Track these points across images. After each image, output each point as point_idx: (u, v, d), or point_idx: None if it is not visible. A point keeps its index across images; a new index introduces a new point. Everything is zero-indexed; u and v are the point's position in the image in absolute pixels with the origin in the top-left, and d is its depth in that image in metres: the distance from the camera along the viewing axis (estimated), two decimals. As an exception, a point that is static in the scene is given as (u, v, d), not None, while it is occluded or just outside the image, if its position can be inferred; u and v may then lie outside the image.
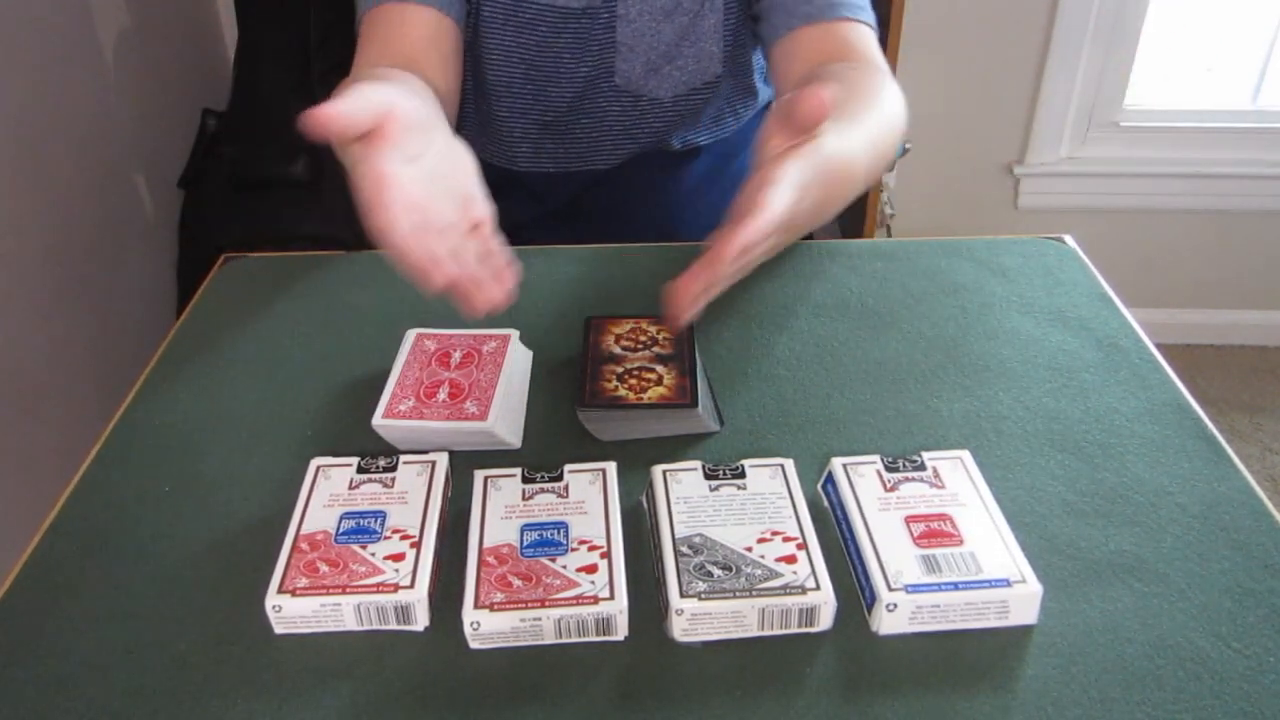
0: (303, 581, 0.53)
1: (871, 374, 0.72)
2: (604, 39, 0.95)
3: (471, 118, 1.06)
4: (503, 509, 0.58)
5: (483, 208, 0.65)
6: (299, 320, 0.79)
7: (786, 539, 0.55)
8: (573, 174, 1.04)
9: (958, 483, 0.59)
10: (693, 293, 0.57)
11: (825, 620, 0.53)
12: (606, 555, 0.55)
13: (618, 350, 0.70)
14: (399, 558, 0.54)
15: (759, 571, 0.53)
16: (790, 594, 0.52)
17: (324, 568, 0.54)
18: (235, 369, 0.74)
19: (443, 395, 0.66)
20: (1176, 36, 2.13)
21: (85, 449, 0.67)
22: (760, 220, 0.56)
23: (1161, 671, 0.51)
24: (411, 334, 0.72)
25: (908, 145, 1.94)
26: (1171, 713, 0.49)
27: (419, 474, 0.60)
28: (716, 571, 0.53)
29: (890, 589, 0.52)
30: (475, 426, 0.63)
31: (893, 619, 0.52)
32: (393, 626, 0.53)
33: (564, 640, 0.53)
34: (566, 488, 0.59)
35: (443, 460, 0.61)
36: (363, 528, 0.57)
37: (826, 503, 0.61)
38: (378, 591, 0.53)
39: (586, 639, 0.53)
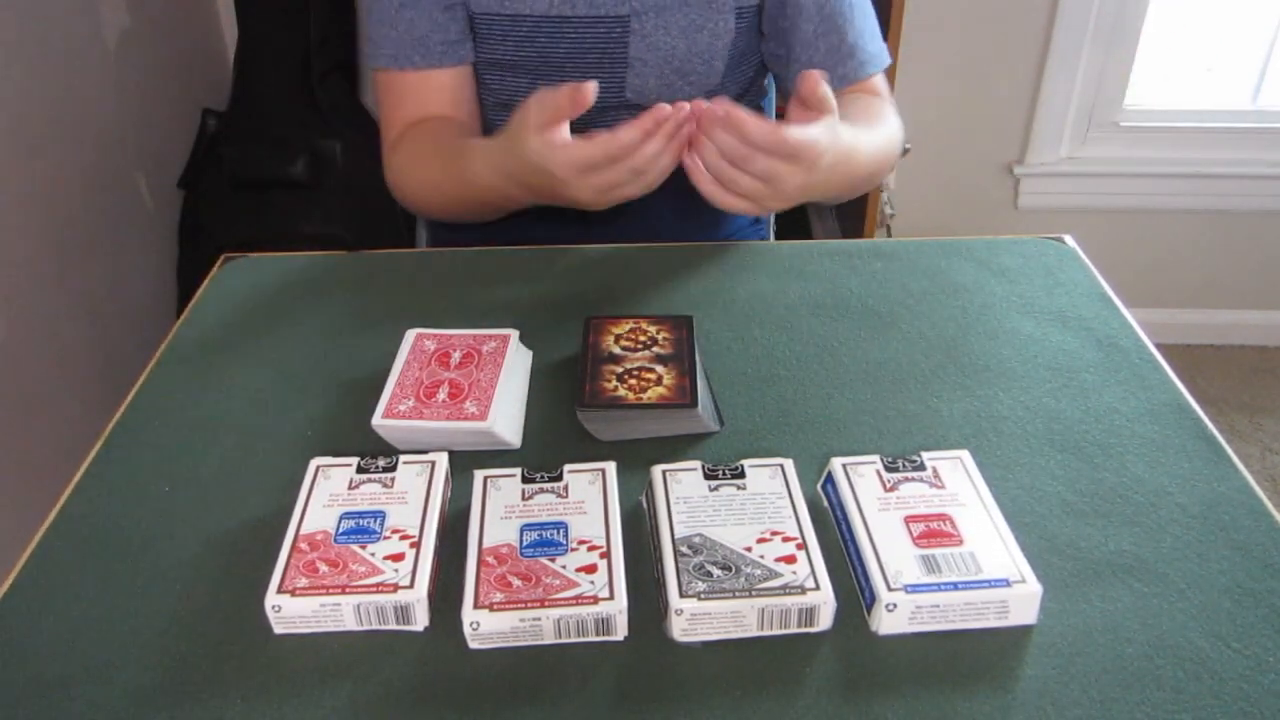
0: (302, 581, 0.53)
1: (871, 374, 0.72)
2: (616, 54, 0.96)
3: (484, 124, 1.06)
4: (502, 509, 0.58)
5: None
6: (299, 320, 0.79)
7: (786, 539, 0.55)
8: None
9: (957, 483, 0.59)
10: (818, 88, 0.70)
11: (825, 620, 0.53)
12: (606, 555, 0.55)
13: (618, 350, 0.70)
14: (399, 558, 0.54)
15: (759, 571, 0.53)
16: (790, 594, 0.52)
17: (324, 568, 0.54)
18: (235, 369, 0.74)
19: (442, 395, 0.66)
20: (1176, 36, 2.13)
21: (85, 449, 0.67)
22: (807, 132, 0.69)
23: (1161, 671, 0.51)
24: (411, 334, 0.72)
25: (908, 145, 1.94)
26: (1171, 713, 0.49)
27: (419, 474, 0.60)
28: (716, 571, 0.53)
29: (890, 589, 0.52)
30: (475, 426, 0.63)
31: (892, 619, 0.52)
32: (392, 626, 0.53)
33: (563, 640, 0.53)
34: (566, 488, 0.59)
35: (442, 460, 0.61)
36: (362, 528, 0.57)
37: (826, 503, 0.61)
38: (377, 591, 0.53)
39: (586, 639, 0.53)
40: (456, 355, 0.70)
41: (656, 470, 0.60)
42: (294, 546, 0.55)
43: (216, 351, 0.76)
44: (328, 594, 0.53)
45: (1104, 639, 0.53)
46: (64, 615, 0.55)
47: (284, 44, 1.76)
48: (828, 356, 0.74)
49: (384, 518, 0.57)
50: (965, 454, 0.62)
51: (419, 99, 0.99)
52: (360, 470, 0.61)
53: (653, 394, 0.66)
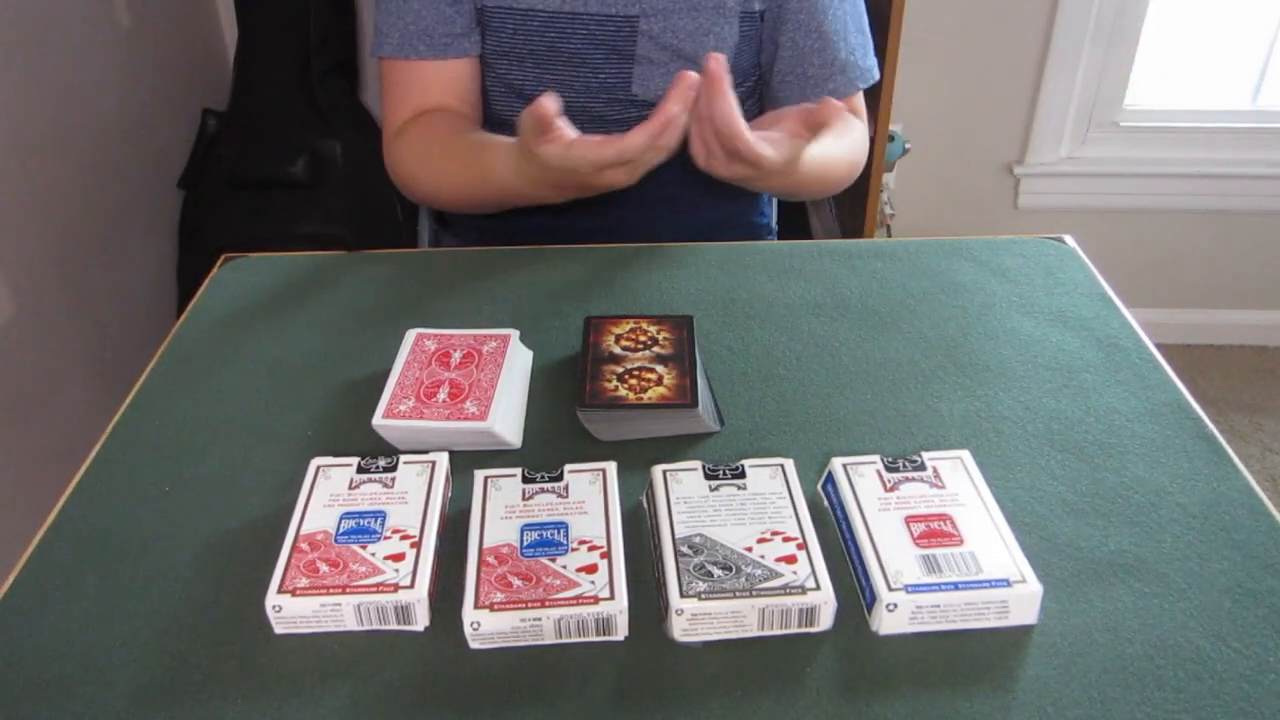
0: (303, 581, 0.53)
1: (871, 374, 0.72)
2: (624, 51, 0.96)
3: (490, 115, 1.06)
4: (503, 509, 0.58)
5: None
6: (299, 320, 0.79)
7: (786, 539, 0.55)
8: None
9: (958, 483, 0.59)
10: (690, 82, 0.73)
11: (825, 620, 0.53)
12: (606, 555, 0.55)
13: (618, 350, 0.70)
14: (399, 558, 0.54)
15: (759, 571, 0.53)
16: (790, 594, 0.52)
17: (324, 568, 0.54)
18: (235, 369, 0.74)
19: (443, 395, 0.66)
20: (1176, 36, 2.13)
21: (85, 449, 0.67)
22: (766, 148, 0.75)
23: (1161, 671, 0.51)
24: (411, 334, 0.72)
25: (907, 145, 1.94)
26: (1171, 713, 0.49)
27: (419, 474, 0.60)
28: (716, 571, 0.53)
29: (890, 589, 0.52)
30: (475, 426, 0.63)
31: (893, 619, 0.52)
32: (393, 626, 0.53)
33: (564, 640, 0.53)
34: (566, 488, 0.59)
35: (443, 460, 0.61)
36: (363, 528, 0.57)
37: (826, 503, 0.61)
38: (378, 591, 0.53)
39: (586, 639, 0.53)
40: (457, 355, 0.70)
41: (657, 470, 0.60)
42: (294, 546, 0.55)
43: (216, 351, 0.76)
44: (328, 594, 0.53)
45: (1104, 639, 0.53)
46: (64, 615, 0.55)
47: (284, 44, 1.75)
48: (828, 356, 0.74)
49: (384, 518, 0.57)
50: (965, 454, 0.62)
51: (423, 89, 1.00)
52: (360, 470, 0.61)
53: (653, 394, 0.66)
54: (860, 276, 0.84)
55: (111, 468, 0.65)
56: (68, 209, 1.43)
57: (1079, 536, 0.59)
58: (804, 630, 0.53)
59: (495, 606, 0.52)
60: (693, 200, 1.07)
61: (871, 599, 0.53)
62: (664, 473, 0.60)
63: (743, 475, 0.60)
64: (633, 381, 0.67)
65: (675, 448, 0.66)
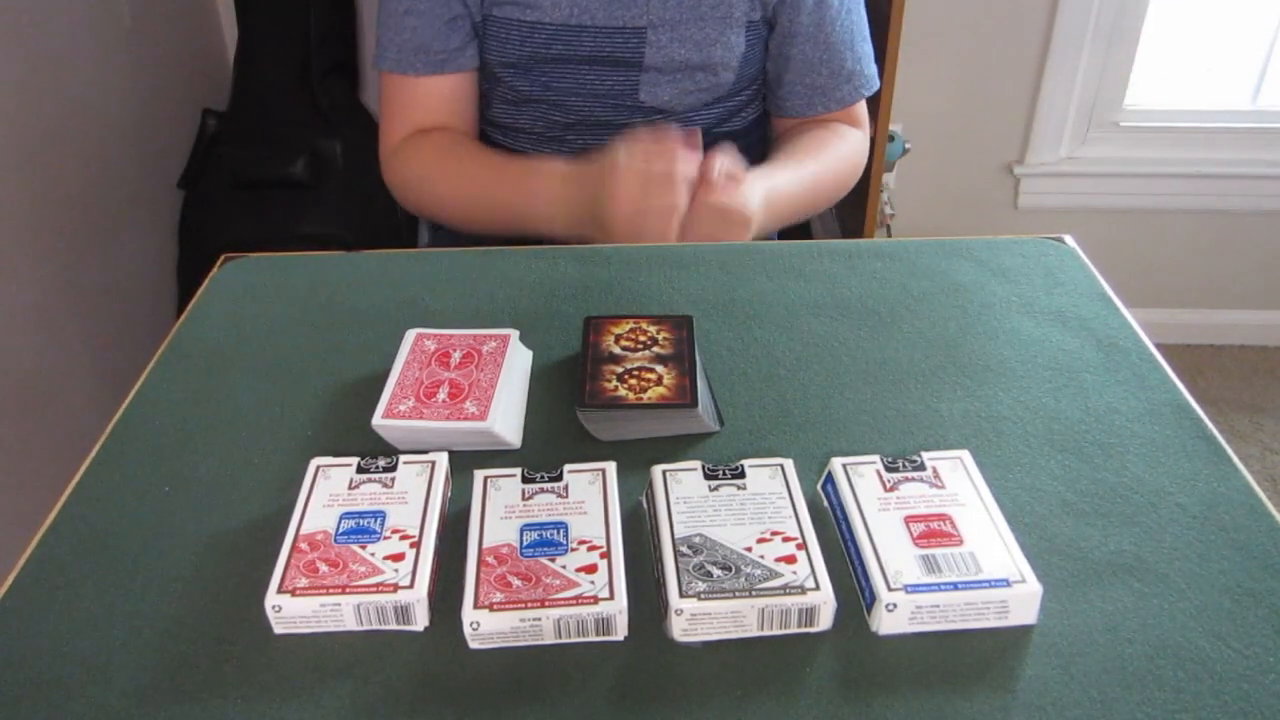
0: (302, 581, 0.53)
1: (871, 374, 0.72)
2: (631, 61, 0.97)
3: (492, 113, 1.07)
4: (503, 509, 0.58)
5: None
6: (299, 320, 0.79)
7: (786, 539, 0.55)
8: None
9: (958, 483, 0.59)
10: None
11: (825, 620, 0.53)
12: (606, 555, 0.55)
13: (618, 350, 0.70)
14: (399, 558, 0.54)
15: (759, 571, 0.53)
16: (790, 594, 0.52)
17: (324, 568, 0.54)
18: (235, 369, 0.74)
19: (442, 395, 0.66)
20: (1176, 36, 2.13)
21: (85, 449, 0.67)
22: (737, 195, 0.88)
23: (1161, 671, 0.51)
24: (411, 334, 0.72)
25: (907, 145, 1.94)
26: (1171, 713, 0.49)
27: (419, 474, 0.60)
28: (716, 571, 0.53)
29: (890, 589, 0.52)
30: (475, 426, 0.63)
31: (892, 619, 0.52)
32: (393, 626, 0.53)
33: (564, 640, 0.53)
34: (566, 488, 0.59)
35: (443, 460, 0.61)
36: (362, 528, 0.57)
37: (826, 503, 0.61)
38: (377, 591, 0.53)
39: (586, 639, 0.53)
40: (456, 355, 0.70)
41: (656, 470, 0.60)
42: (294, 546, 0.55)
43: (216, 351, 0.76)
44: (328, 594, 0.53)
45: (1104, 639, 0.53)
46: (64, 615, 0.55)
47: (284, 44, 1.76)
48: (828, 356, 0.74)
49: (384, 518, 0.57)
50: (965, 454, 0.62)
51: (421, 103, 1.02)
52: (360, 470, 0.61)
53: (653, 394, 0.66)
54: (860, 276, 0.84)
55: (111, 468, 0.65)
56: (68, 209, 1.43)
57: (1079, 536, 0.59)
58: (804, 630, 0.53)
59: (495, 606, 0.52)
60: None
61: (871, 599, 0.53)
62: (664, 473, 0.60)
63: (742, 475, 0.60)
64: (632, 381, 0.67)
65: (675, 448, 0.66)
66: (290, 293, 0.83)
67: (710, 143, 1.06)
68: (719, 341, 0.76)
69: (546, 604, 0.52)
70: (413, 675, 0.51)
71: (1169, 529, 0.59)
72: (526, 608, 0.52)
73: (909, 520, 0.57)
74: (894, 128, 1.91)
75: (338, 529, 0.56)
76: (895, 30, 1.59)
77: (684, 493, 0.59)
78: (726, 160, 0.88)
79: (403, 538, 0.56)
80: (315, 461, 0.62)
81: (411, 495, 0.59)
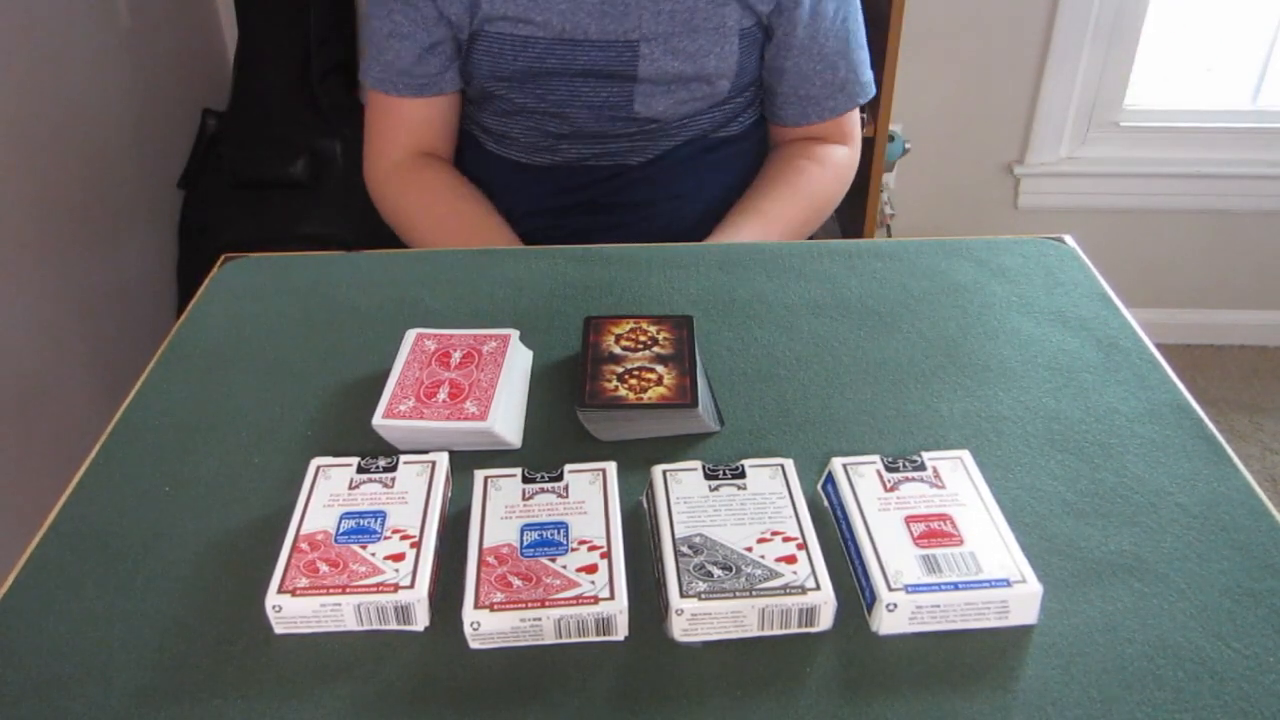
0: (303, 581, 0.53)
1: (871, 374, 0.72)
2: (625, 74, 0.97)
3: (485, 120, 1.07)
4: (503, 509, 0.58)
5: None
6: (299, 320, 0.79)
7: (786, 539, 0.55)
8: (585, 168, 1.06)
9: (958, 483, 0.59)
10: None
11: (825, 620, 0.53)
12: (606, 555, 0.55)
13: (618, 350, 0.70)
14: (399, 558, 0.54)
15: (759, 571, 0.53)
16: (790, 594, 0.52)
17: (324, 568, 0.54)
18: (235, 369, 0.74)
19: (443, 395, 0.66)
20: (1176, 36, 2.13)
21: (85, 449, 0.67)
22: None
23: (1161, 671, 0.51)
24: (411, 334, 0.72)
25: (907, 145, 1.94)
26: (1171, 713, 0.49)
27: (419, 474, 0.60)
28: (716, 571, 0.53)
29: (890, 589, 0.52)
30: (475, 426, 0.63)
31: (893, 619, 0.52)
32: (393, 626, 0.53)
33: (564, 640, 0.53)
34: (566, 488, 0.59)
35: (443, 460, 0.61)
36: (363, 528, 0.57)
37: (826, 503, 0.61)
38: (378, 591, 0.53)
39: (586, 639, 0.53)
40: (456, 355, 0.70)
41: (656, 470, 0.60)
42: (294, 546, 0.55)
43: (216, 351, 0.76)
44: (328, 594, 0.53)
45: (1104, 639, 0.53)
46: (64, 615, 0.55)
47: (284, 44, 1.75)
48: (828, 356, 0.74)
49: (384, 518, 0.57)
50: (965, 454, 0.62)
51: (405, 123, 1.05)
52: (360, 470, 0.61)
53: (653, 394, 0.66)
54: (860, 276, 0.84)
55: (111, 468, 0.65)
56: (68, 209, 1.43)
57: (1079, 536, 0.59)
58: (804, 630, 0.53)
59: (495, 606, 0.52)
60: (698, 215, 1.07)
61: (871, 599, 0.53)
62: (664, 473, 0.60)
63: (743, 475, 0.60)
64: (633, 381, 0.67)
65: (675, 448, 0.66)
66: (290, 293, 0.83)
67: (708, 148, 1.06)
68: (719, 341, 0.76)
69: (547, 604, 0.52)
70: (413, 675, 0.51)
71: (1169, 529, 0.59)
72: (527, 608, 0.52)
73: (909, 520, 0.57)
74: (894, 128, 1.91)
75: (338, 529, 0.56)
76: (895, 30, 1.59)
77: (684, 493, 0.59)
78: None
79: (403, 538, 0.56)
80: (315, 461, 0.62)
81: (412, 495, 0.59)
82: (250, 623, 0.54)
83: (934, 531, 0.56)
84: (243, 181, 1.74)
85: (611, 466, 0.61)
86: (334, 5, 1.79)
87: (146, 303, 1.68)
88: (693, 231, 1.06)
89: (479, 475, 0.61)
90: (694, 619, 0.52)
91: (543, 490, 0.59)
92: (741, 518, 0.57)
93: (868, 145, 1.68)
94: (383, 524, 0.57)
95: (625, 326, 0.73)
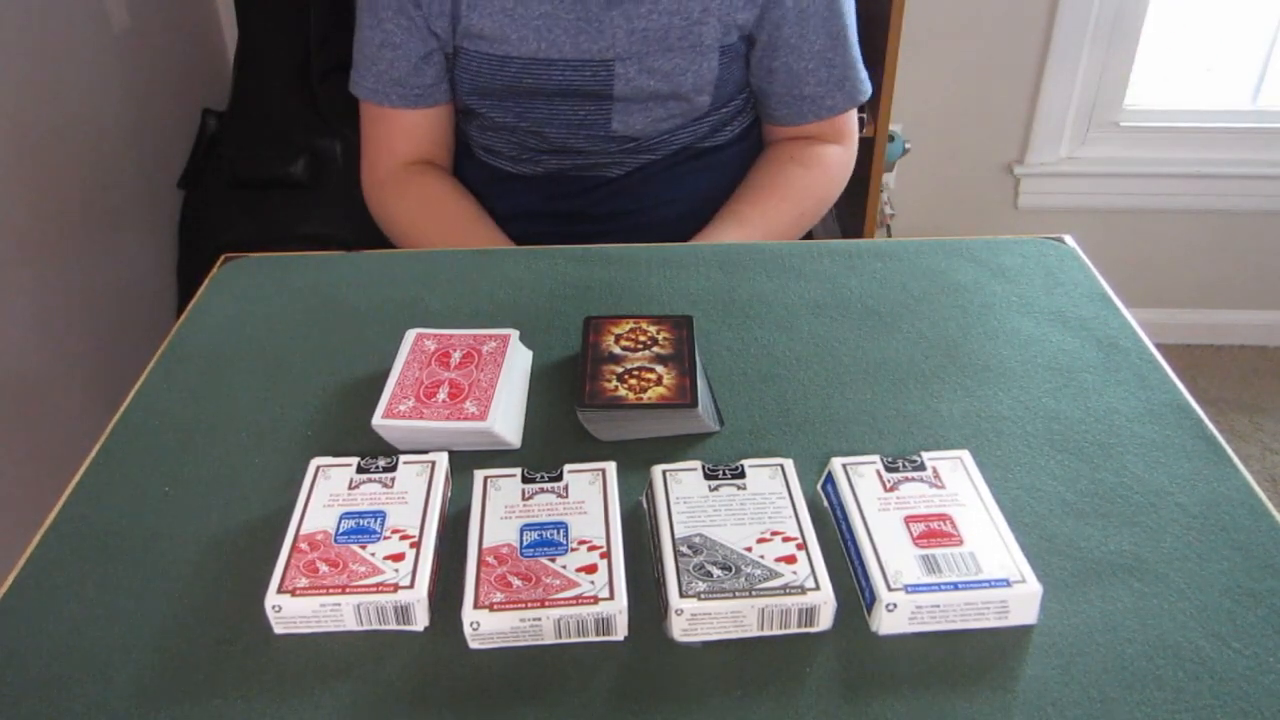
0: (303, 581, 0.53)
1: (871, 374, 0.72)
2: (602, 92, 0.97)
3: (475, 139, 1.07)
4: (503, 509, 0.58)
5: None
6: (299, 320, 0.79)
7: (786, 539, 0.55)
8: (569, 178, 1.06)
9: (958, 483, 0.59)
10: None
11: (825, 620, 0.53)
12: (606, 555, 0.55)
13: (618, 350, 0.70)
14: (399, 558, 0.54)
15: (759, 571, 0.53)
16: (790, 594, 0.52)
17: (324, 568, 0.54)
18: (235, 369, 0.74)
19: (442, 395, 0.66)
20: (1176, 36, 2.13)
21: (85, 449, 0.67)
22: None
23: (1161, 671, 0.51)
24: (411, 334, 0.72)
25: (907, 145, 1.94)
26: (1171, 713, 0.49)
27: (419, 474, 0.60)
28: (716, 571, 0.53)
29: (890, 589, 0.52)
30: (475, 426, 0.63)
31: (892, 619, 0.52)
32: (393, 626, 0.54)
33: (564, 640, 0.53)
34: (566, 488, 0.59)
35: (443, 460, 0.61)
36: (362, 528, 0.57)
37: (826, 503, 0.61)
38: (377, 591, 0.53)
39: (586, 639, 0.53)
40: (456, 355, 0.70)
41: (656, 470, 0.60)
42: (294, 546, 0.55)
43: (216, 351, 0.76)
44: (328, 594, 0.53)
45: (1104, 639, 0.53)
46: (64, 615, 0.55)
47: (284, 44, 1.75)
48: (828, 356, 0.74)
49: (384, 518, 0.57)
50: (965, 454, 0.62)
51: (401, 134, 1.04)
52: (360, 470, 0.61)
53: (653, 394, 0.66)
54: (860, 276, 0.84)
55: (111, 468, 0.65)
56: (68, 209, 1.43)
57: (1079, 536, 0.59)
58: (804, 630, 0.53)
59: (495, 606, 0.52)
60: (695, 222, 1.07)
61: (871, 599, 0.53)
62: (664, 473, 0.60)
63: (742, 475, 0.60)
64: (632, 381, 0.67)
65: (675, 448, 0.66)
66: (290, 293, 0.83)
67: (693, 156, 1.06)
68: (719, 341, 0.76)
69: (546, 604, 0.52)
70: (413, 675, 0.51)
71: (1169, 529, 0.59)
72: (526, 608, 0.52)
73: (909, 520, 0.57)
74: (894, 128, 1.91)
75: (338, 529, 0.56)
76: (895, 30, 1.59)
77: (684, 493, 0.59)
78: None
79: (403, 538, 0.56)
80: (315, 461, 0.62)
81: (411, 495, 0.59)
82: (250, 623, 0.54)
83: (934, 531, 0.56)
84: (243, 181, 1.74)
85: (611, 466, 0.61)
86: (334, 5, 1.79)
87: (146, 303, 1.68)
88: (681, 236, 1.05)
89: (479, 475, 0.61)
90: (694, 619, 0.52)
91: (542, 490, 0.59)
92: (741, 518, 0.57)
93: (867, 145, 1.68)
94: (382, 524, 0.57)
95: (625, 326, 0.73)
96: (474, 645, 0.53)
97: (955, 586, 0.52)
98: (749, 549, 0.55)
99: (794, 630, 0.53)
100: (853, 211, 1.83)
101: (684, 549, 0.55)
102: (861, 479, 0.59)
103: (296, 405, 0.70)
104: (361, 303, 0.81)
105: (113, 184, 1.57)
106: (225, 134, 1.79)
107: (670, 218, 1.07)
